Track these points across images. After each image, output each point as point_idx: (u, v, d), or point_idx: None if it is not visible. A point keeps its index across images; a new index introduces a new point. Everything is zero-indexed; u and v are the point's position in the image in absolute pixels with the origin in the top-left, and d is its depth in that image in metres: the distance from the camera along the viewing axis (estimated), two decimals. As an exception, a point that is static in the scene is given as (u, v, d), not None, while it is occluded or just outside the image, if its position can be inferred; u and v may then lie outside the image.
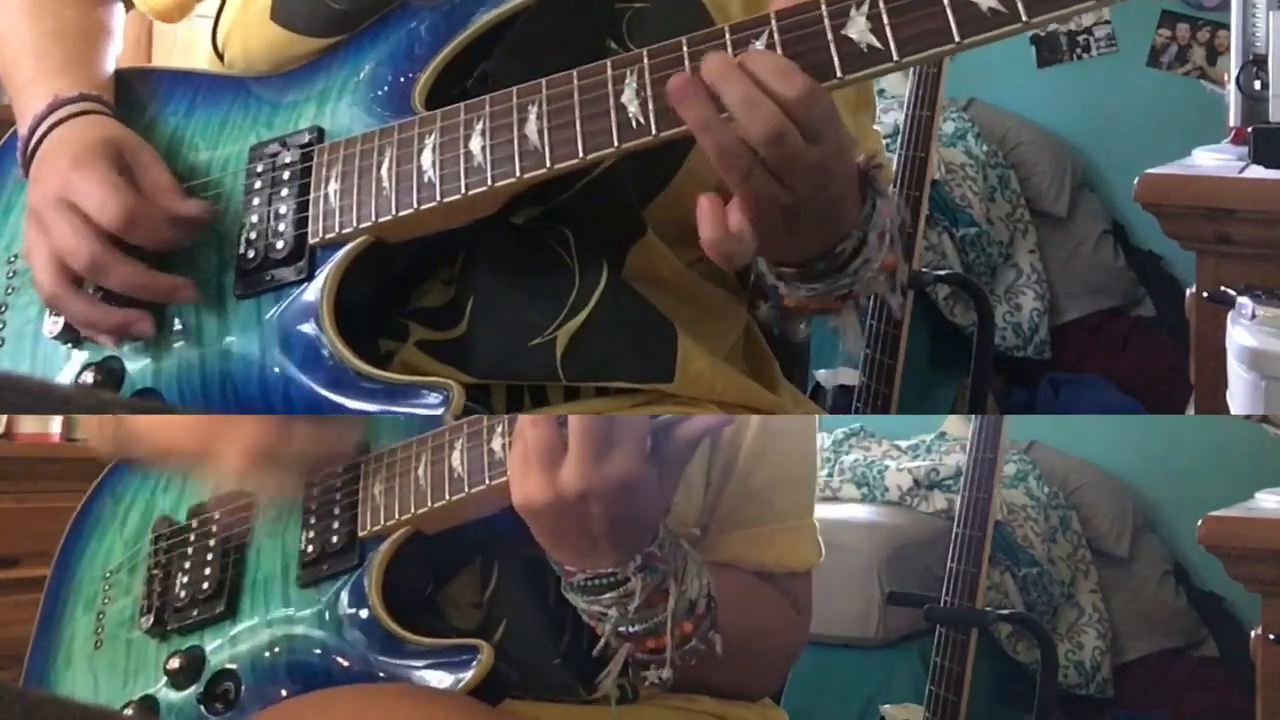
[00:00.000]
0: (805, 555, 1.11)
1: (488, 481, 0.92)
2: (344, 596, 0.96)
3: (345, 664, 0.94)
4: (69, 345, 1.01)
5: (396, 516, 0.96)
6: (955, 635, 2.23)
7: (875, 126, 1.18)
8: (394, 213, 0.92)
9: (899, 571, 2.66)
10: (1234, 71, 2.03)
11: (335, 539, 0.98)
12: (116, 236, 0.94)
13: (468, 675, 0.90)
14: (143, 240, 0.94)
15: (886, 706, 2.41)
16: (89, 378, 0.99)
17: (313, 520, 1.00)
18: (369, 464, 1.00)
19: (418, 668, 0.92)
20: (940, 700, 2.22)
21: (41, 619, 1.12)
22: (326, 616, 0.96)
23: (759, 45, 0.83)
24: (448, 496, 0.94)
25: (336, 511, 0.99)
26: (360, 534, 0.97)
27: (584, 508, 0.83)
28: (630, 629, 0.87)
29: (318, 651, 0.95)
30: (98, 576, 1.11)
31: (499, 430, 0.92)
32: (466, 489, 0.93)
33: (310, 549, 0.99)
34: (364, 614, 0.95)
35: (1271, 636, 1.92)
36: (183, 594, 1.03)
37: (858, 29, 0.81)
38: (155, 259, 0.96)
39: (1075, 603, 2.95)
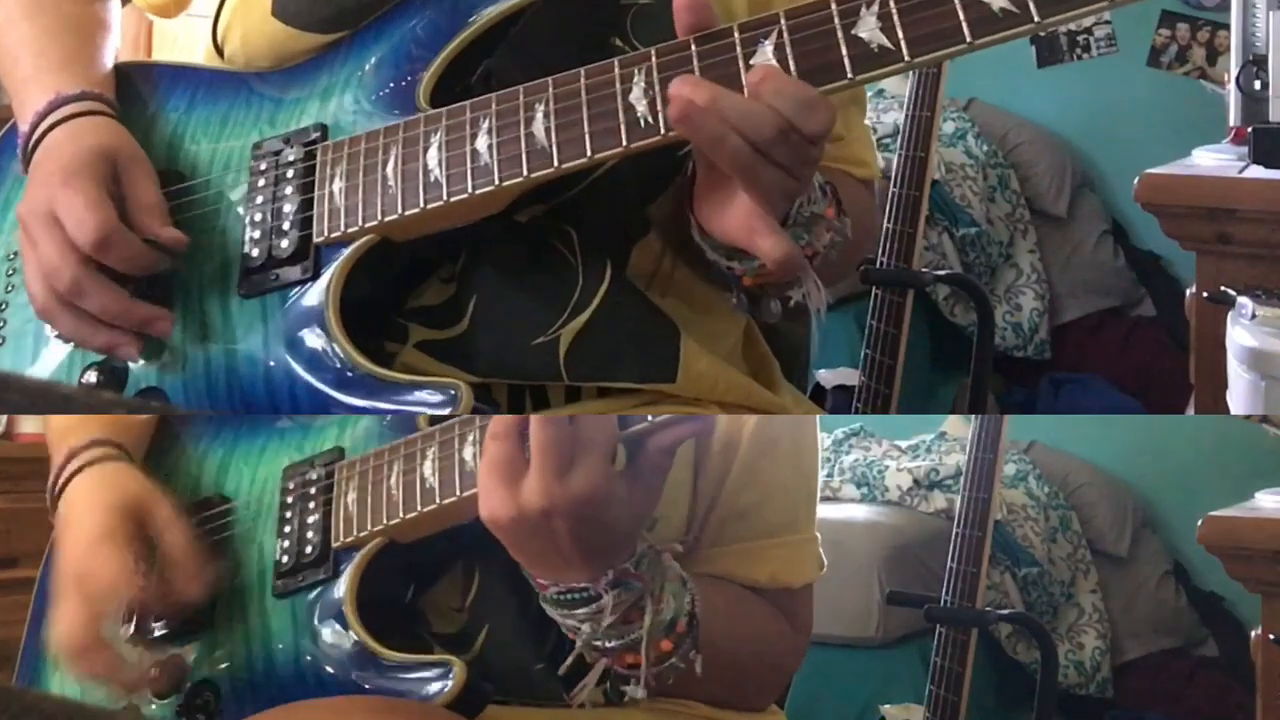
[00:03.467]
0: (801, 571, 1.08)
1: (459, 493, 0.90)
2: (319, 608, 0.95)
3: (322, 677, 0.93)
4: (71, 344, 1.00)
5: (369, 527, 0.95)
6: (955, 635, 2.23)
7: (869, 125, 1.17)
8: (400, 212, 0.91)
9: (899, 571, 2.66)
10: (1234, 71, 2.02)
11: (309, 549, 0.97)
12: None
13: (444, 690, 0.88)
14: (115, 264, 0.93)
15: (886, 706, 2.41)
16: (92, 377, 0.98)
17: (287, 529, 0.99)
18: (342, 471, 0.98)
19: (393, 683, 0.90)
20: (940, 700, 2.22)
21: (32, 618, 1.10)
22: (302, 628, 0.95)
23: (768, 45, 0.82)
24: (419, 508, 0.92)
25: (310, 520, 0.98)
26: (334, 544, 0.96)
27: (548, 524, 0.81)
28: (605, 644, 0.85)
29: (294, 664, 0.94)
30: None
31: (470, 438, 0.90)
32: (438, 500, 0.91)
33: (285, 559, 0.97)
34: (339, 626, 0.93)
35: (1271, 636, 1.92)
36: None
37: (868, 28, 0.80)
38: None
39: (1075, 603, 2.95)
